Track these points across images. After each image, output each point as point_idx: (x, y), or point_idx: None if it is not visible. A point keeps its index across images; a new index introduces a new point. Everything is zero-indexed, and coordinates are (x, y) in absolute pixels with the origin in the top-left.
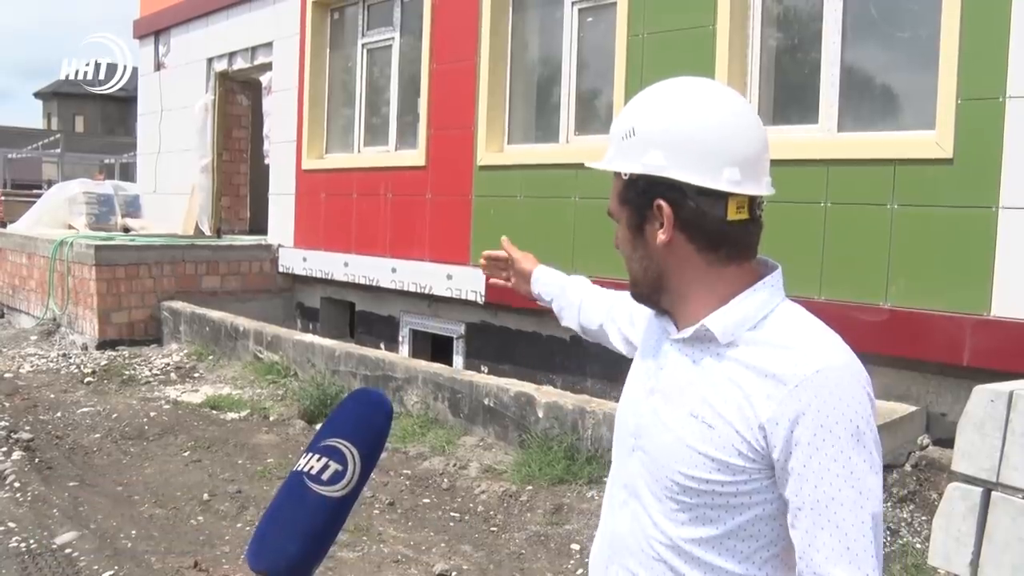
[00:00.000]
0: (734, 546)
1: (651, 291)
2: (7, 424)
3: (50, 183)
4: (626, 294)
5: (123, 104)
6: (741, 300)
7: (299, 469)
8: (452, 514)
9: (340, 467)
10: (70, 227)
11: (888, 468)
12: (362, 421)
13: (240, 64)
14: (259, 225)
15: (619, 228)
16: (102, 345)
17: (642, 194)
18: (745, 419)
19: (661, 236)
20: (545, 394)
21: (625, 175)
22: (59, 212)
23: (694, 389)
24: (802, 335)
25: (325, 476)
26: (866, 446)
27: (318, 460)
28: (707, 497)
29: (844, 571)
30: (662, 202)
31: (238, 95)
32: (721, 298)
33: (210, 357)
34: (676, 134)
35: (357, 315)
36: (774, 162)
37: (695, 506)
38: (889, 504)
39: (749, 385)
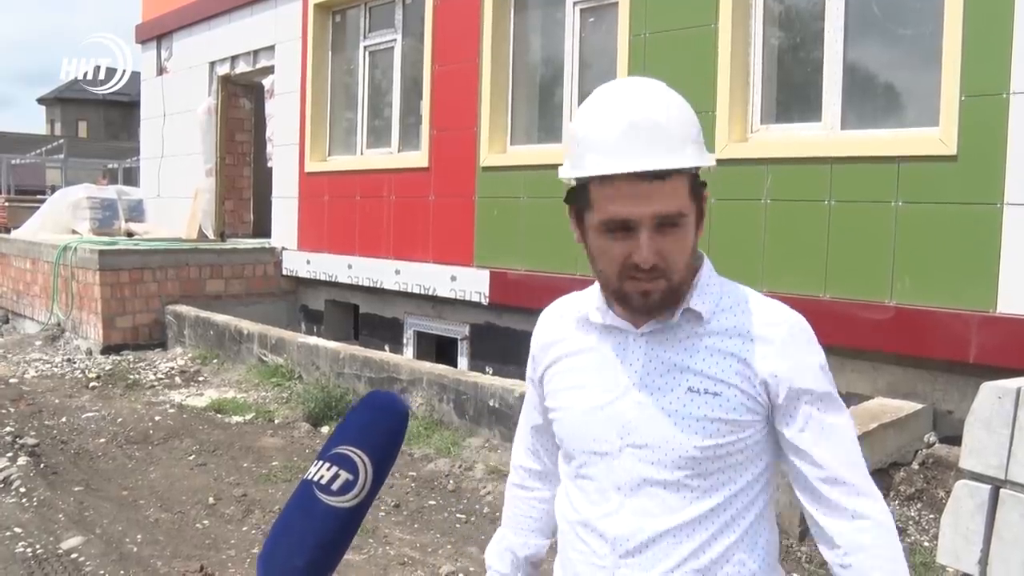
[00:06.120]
0: (745, 500)
1: (686, 288)
2: (12, 429)
3: (54, 188)
4: (528, 426)
5: (126, 109)
6: (707, 280)
7: (309, 478)
8: (458, 516)
9: (351, 476)
10: (74, 232)
11: (895, 466)
12: (374, 426)
13: (242, 68)
14: (263, 228)
15: (676, 232)
16: (106, 350)
17: (702, 188)
18: (747, 379)
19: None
20: None
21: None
22: (63, 217)
23: (684, 368)
24: (756, 301)
25: (335, 486)
26: (832, 378)
27: (328, 469)
28: (721, 462)
29: (865, 479)
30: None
31: (241, 99)
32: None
33: (214, 361)
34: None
35: (361, 317)
36: (778, 160)
37: (713, 472)
38: (897, 502)
39: (741, 350)
